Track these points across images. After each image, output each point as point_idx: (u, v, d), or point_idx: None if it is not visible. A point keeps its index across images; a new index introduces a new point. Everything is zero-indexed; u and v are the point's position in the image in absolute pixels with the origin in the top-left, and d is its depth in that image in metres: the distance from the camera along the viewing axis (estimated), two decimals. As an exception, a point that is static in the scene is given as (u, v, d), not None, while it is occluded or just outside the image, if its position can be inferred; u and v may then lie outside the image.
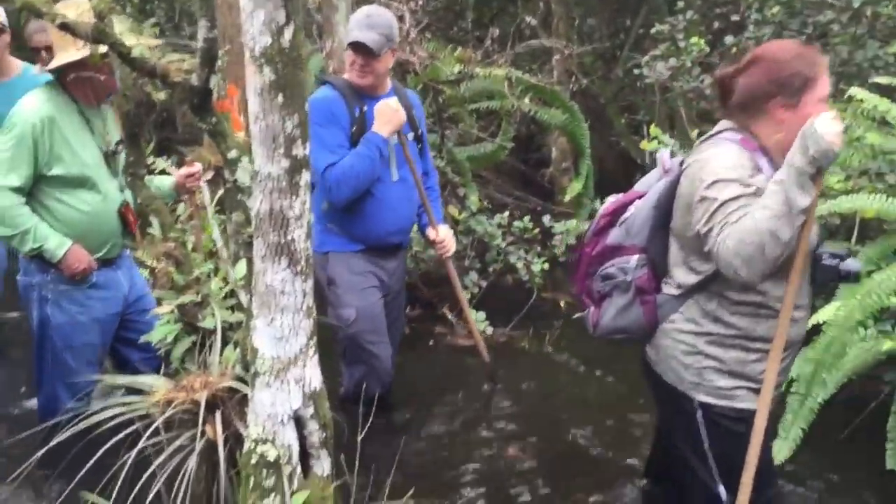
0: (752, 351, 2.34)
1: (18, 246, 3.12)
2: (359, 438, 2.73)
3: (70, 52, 3.04)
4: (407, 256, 4.92)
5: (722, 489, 2.41)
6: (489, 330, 4.83)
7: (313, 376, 2.44)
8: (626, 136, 7.32)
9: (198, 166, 3.57)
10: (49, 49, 4.75)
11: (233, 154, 2.67)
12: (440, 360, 4.66)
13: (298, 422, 2.43)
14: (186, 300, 2.93)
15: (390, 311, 3.75)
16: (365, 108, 3.45)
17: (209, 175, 3.29)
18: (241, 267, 2.74)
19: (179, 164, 4.61)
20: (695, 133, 6.02)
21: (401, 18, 5.28)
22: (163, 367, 3.01)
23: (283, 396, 2.38)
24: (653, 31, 6.47)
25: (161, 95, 2.81)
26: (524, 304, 5.14)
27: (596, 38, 8.00)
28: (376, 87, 3.51)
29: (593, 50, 7.70)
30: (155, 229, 3.13)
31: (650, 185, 2.54)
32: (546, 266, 5.25)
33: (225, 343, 2.82)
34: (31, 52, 4.84)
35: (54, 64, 3.11)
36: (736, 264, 2.12)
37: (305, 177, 2.27)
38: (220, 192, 3.24)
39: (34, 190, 3.12)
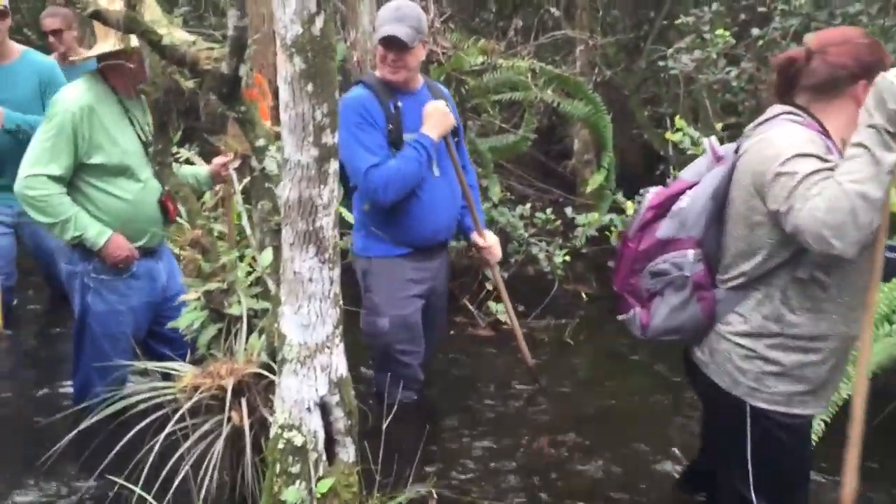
0: (811, 352, 2.24)
1: (60, 234, 3.16)
2: (383, 426, 2.75)
3: (109, 41, 3.08)
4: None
5: (754, 497, 2.32)
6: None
7: (339, 364, 2.45)
8: (649, 128, 7.28)
9: (231, 155, 3.58)
10: (55, 33, 4.90)
11: (261, 142, 2.69)
12: (463, 351, 4.66)
13: (324, 408, 2.45)
14: (213, 287, 2.96)
15: (433, 308, 3.69)
16: (399, 103, 3.39)
17: (236, 163, 3.31)
18: (268, 255, 2.76)
19: (203, 153, 4.66)
20: (719, 125, 6.00)
21: (425, 9, 5.28)
22: (189, 354, 3.04)
23: (309, 383, 2.40)
24: (677, 22, 6.43)
25: (190, 83, 2.83)
26: (545, 295, 5.14)
27: (619, 30, 7.96)
28: (409, 82, 3.45)
29: (616, 41, 7.66)
30: (182, 217, 3.16)
31: (699, 174, 2.40)
32: (567, 258, 5.25)
33: (251, 330, 2.85)
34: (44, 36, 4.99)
35: (92, 52, 3.15)
36: (827, 234, 1.98)
37: (334, 165, 2.28)
38: (247, 180, 3.25)
39: (75, 179, 3.17)
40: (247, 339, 2.82)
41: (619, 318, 2.57)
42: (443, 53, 5.18)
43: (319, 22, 2.13)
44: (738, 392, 2.30)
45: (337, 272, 2.39)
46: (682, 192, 2.40)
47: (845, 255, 2.03)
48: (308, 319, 2.36)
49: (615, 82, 7.31)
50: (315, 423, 2.41)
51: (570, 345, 4.76)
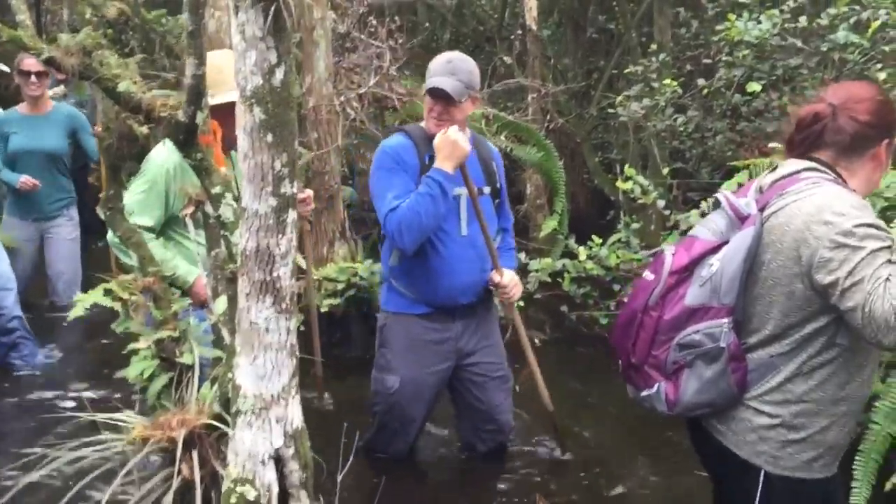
0: (833, 416, 2.13)
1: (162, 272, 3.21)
2: (338, 478, 2.71)
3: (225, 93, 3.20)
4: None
5: None
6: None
7: (295, 415, 2.42)
8: (600, 174, 7.43)
9: (308, 192, 3.66)
10: (40, 74, 5.36)
11: (217, 189, 2.67)
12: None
13: (279, 461, 2.41)
14: (164, 335, 2.90)
15: (474, 376, 3.50)
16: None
17: (190, 209, 3.27)
18: (222, 302, 2.72)
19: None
20: (667, 170, 6.16)
21: (379, 56, 5.35)
22: (138, 405, 2.96)
23: (264, 435, 2.35)
24: (626, 71, 6.61)
25: (144, 130, 2.80)
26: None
27: (570, 78, 8.15)
28: None
29: (568, 89, 7.83)
30: (134, 263, 3.10)
31: (718, 233, 2.21)
32: (521, 303, 5.26)
33: (203, 380, 2.79)
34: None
35: (213, 102, 3.15)
36: (893, 324, 1.87)
37: (293, 215, 2.27)
38: (201, 226, 3.22)
39: (165, 228, 3.42)
40: (198, 389, 2.76)
41: (642, 395, 2.31)
42: (398, 99, 5.23)
43: (280, 73, 2.14)
44: (759, 461, 2.16)
45: (294, 322, 2.36)
46: (705, 254, 2.19)
47: (888, 347, 1.95)
48: (264, 370, 2.32)
49: (566, 129, 7.46)
50: (269, 476, 2.36)
51: (521, 391, 4.75)
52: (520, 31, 7.42)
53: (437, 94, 3.21)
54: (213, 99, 3.12)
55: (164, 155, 3.33)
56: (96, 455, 2.67)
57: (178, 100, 2.59)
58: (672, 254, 2.26)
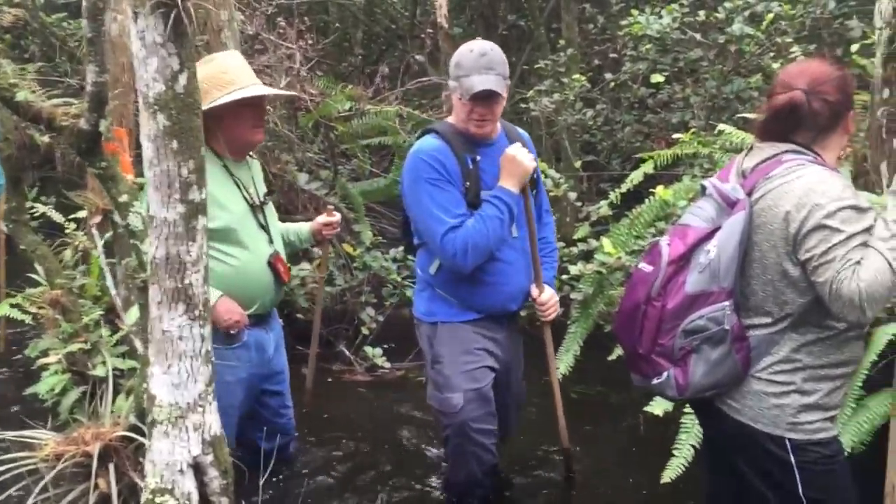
0: (837, 378, 2.25)
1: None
2: (260, 482, 2.71)
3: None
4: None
5: None
6: (386, 365, 4.86)
7: (212, 422, 2.41)
8: (515, 168, 7.52)
9: (337, 216, 3.47)
10: None
11: (124, 198, 2.63)
12: (340, 399, 4.64)
13: (198, 469, 2.39)
14: (75, 348, 2.85)
15: (505, 386, 3.25)
16: (478, 157, 3.01)
17: (97, 219, 3.20)
18: (134, 312, 2.69)
19: (59, 206, 4.47)
20: (578, 163, 6.30)
21: (290, 57, 5.31)
22: (50, 420, 2.89)
23: (181, 444, 2.34)
24: (536, 66, 6.73)
25: (45, 139, 2.73)
26: (413, 340, 5.17)
27: (482, 74, 8.21)
28: (492, 133, 3.10)
29: (480, 85, 7.89)
30: (40, 276, 3.03)
31: (711, 220, 2.29)
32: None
33: (117, 391, 2.75)
34: None
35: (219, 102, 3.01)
36: (862, 304, 2.03)
37: (202, 221, 2.26)
38: (108, 235, 3.15)
39: None
40: (113, 400, 2.72)
41: (652, 383, 2.35)
42: (311, 100, 5.20)
43: (183, 79, 2.13)
44: (779, 430, 2.24)
45: (208, 329, 2.35)
46: (700, 241, 2.27)
47: (862, 323, 2.11)
48: (179, 378, 2.31)
49: (480, 125, 7.52)
50: (188, 485, 2.35)
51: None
52: (431, 30, 7.45)
53: (485, 97, 2.90)
54: (220, 100, 2.97)
55: None
56: (8, 474, 2.61)
57: (81, 107, 2.54)
58: (668, 244, 2.33)
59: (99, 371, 2.79)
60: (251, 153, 3.26)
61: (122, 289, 2.82)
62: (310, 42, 5.48)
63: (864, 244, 2.09)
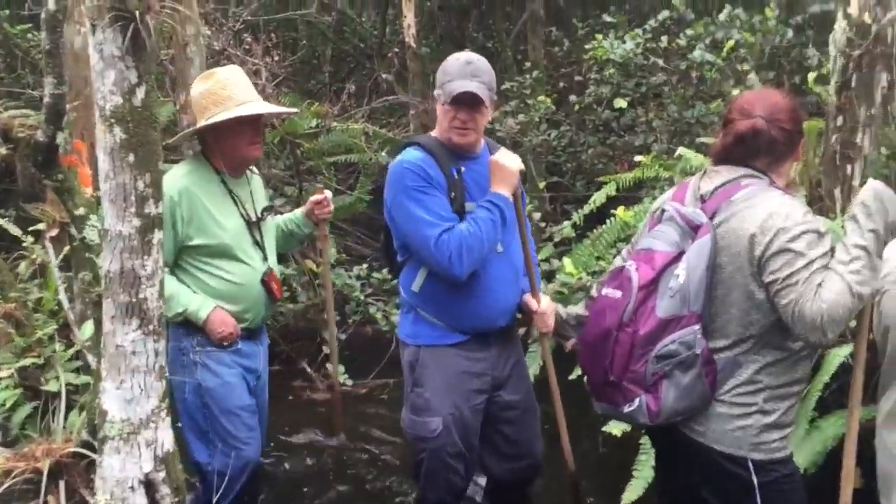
0: (792, 397, 2.29)
1: (166, 312, 2.75)
2: (214, 499, 2.68)
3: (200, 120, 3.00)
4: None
5: None
6: (349, 382, 4.84)
7: (165, 438, 2.38)
8: (481, 188, 7.56)
9: (327, 193, 3.41)
10: None
11: (80, 211, 2.61)
12: (301, 416, 4.61)
13: (149, 486, 2.36)
14: (28, 363, 2.81)
15: (505, 402, 3.10)
16: (462, 169, 2.94)
17: (53, 232, 3.16)
18: (89, 327, 2.66)
19: (18, 219, 4.42)
20: (543, 184, 6.36)
21: (256, 73, 5.31)
22: (0, 436, 2.84)
23: (133, 460, 2.30)
24: (503, 87, 6.78)
25: (2, 150, 2.70)
26: (384, 354, 5.18)
27: (450, 94, 8.27)
28: (475, 145, 3.01)
29: (448, 105, 7.95)
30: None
31: (675, 244, 2.29)
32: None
33: (70, 407, 2.71)
34: None
35: (217, 119, 2.96)
36: (823, 326, 2.07)
37: (158, 235, 2.24)
38: (66, 249, 3.12)
39: (179, 261, 3.02)
40: (65, 416, 2.68)
41: (623, 410, 2.32)
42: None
43: (141, 93, 2.12)
44: (742, 451, 2.25)
45: (162, 344, 2.33)
46: (667, 265, 2.27)
47: (822, 344, 2.15)
48: (131, 394, 2.28)
49: (447, 144, 7.57)
50: (139, 502, 2.31)
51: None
52: (399, 49, 7.50)
53: (464, 100, 2.85)
54: (217, 116, 2.93)
55: (169, 180, 2.96)
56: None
57: (38, 119, 2.53)
58: (635, 269, 2.30)
59: (52, 386, 2.75)
60: (251, 168, 3.24)
61: (77, 303, 2.78)
62: (276, 58, 5.49)
63: (825, 267, 2.14)
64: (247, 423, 3.06)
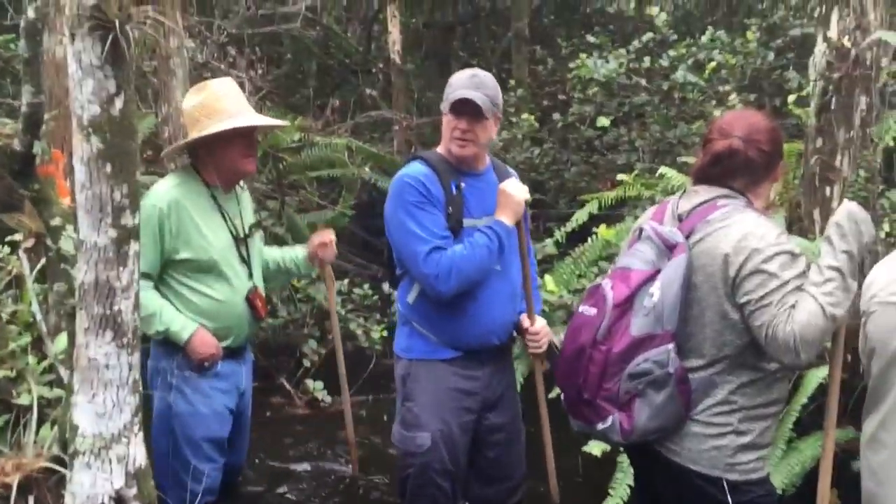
0: (768, 418, 2.30)
1: (145, 328, 2.78)
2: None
3: (191, 134, 2.98)
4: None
5: None
6: (327, 398, 4.80)
7: (138, 454, 2.33)
8: (464, 204, 7.57)
9: (331, 234, 3.34)
10: None
11: (56, 221, 2.58)
12: (280, 431, 4.56)
13: (120, 502, 2.32)
14: (0, 375, 2.76)
15: (491, 426, 3.07)
16: (462, 184, 2.94)
17: (29, 243, 3.12)
18: (62, 340, 2.62)
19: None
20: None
21: (240, 86, 5.28)
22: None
23: (104, 476, 2.26)
24: (486, 105, 6.81)
25: (-23, 159, 2.67)
26: (364, 370, 5.15)
27: (434, 111, 8.30)
28: (476, 160, 3.00)
29: (432, 121, 7.97)
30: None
31: (651, 263, 2.30)
32: (385, 332, 5.30)
33: (42, 421, 2.67)
34: None
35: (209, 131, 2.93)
36: (797, 348, 2.09)
37: (135, 247, 2.21)
38: (42, 260, 3.08)
39: (164, 275, 2.97)
40: (37, 430, 2.63)
41: (597, 428, 2.33)
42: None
43: (119, 103, 2.09)
44: (717, 471, 2.26)
45: (136, 357, 2.29)
46: (643, 284, 2.28)
47: (796, 365, 2.18)
48: (104, 408, 2.23)
49: (431, 160, 7.59)
50: (111, 518, 2.28)
51: (388, 420, 4.77)
52: (383, 65, 7.52)
53: (463, 109, 2.86)
54: (211, 129, 2.91)
55: (159, 191, 2.97)
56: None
57: (14, 128, 2.50)
58: (611, 287, 2.31)
59: (24, 399, 2.70)
60: (240, 184, 3.21)
61: (52, 315, 2.75)
62: (260, 72, 5.48)
63: (799, 289, 2.15)
64: (208, 454, 3.00)
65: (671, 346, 2.22)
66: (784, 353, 2.12)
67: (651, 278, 2.27)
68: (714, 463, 2.26)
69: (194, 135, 2.97)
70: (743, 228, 2.21)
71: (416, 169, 2.93)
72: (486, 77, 2.94)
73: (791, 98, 4.41)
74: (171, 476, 2.96)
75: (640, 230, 2.41)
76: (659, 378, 2.22)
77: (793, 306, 2.12)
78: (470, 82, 2.89)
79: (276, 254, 3.37)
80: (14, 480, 2.44)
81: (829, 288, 2.13)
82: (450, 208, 2.90)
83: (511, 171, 3.25)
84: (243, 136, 2.99)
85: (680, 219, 2.36)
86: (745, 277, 2.17)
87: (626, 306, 2.27)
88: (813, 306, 2.10)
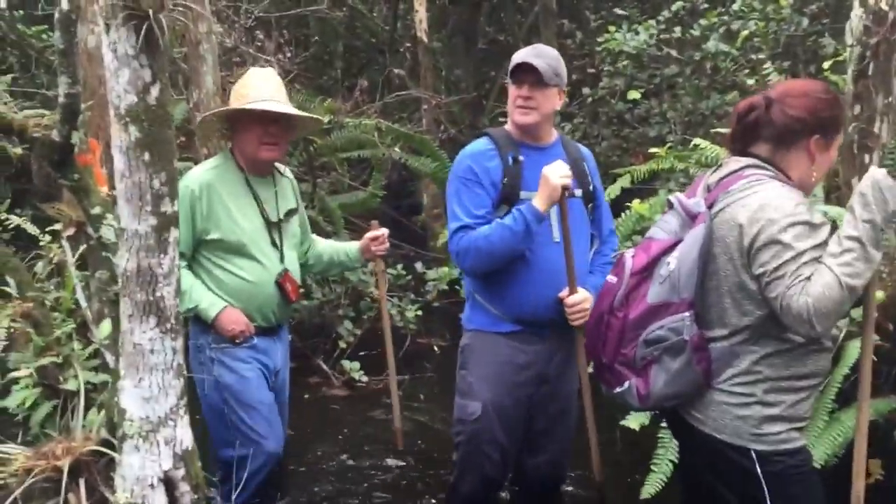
0: (801, 390, 2.25)
1: (178, 306, 2.87)
2: (233, 497, 2.68)
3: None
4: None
5: None
6: (364, 378, 4.85)
7: (184, 436, 2.38)
8: (494, 182, 7.55)
9: (383, 230, 3.37)
10: None
11: (96, 210, 2.62)
12: (318, 412, 4.62)
13: (169, 484, 2.37)
14: (46, 362, 2.81)
15: (548, 403, 3.07)
16: (521, 157, 2.93)
17: (70, 231, 3.17)
18: (106, 326, 2.66)
19: (35, 219, 4.43)
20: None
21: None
22: (21, 435, 2.85)
23: (152, 458, 2.31)
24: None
25: (18, 150, 2.71)
26: (399, 349, 5.17)
27: (463, 89, 8.27)
28: (539, 131, 2.97)
29: (460, 100, 7.94)
30: (12, 288, 2.99)
31: (673, 232, 2.31)
32: (419, 312, 5.33)
33: (89, 406, 2.72)
34: None
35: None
36: (812, 319, 2.06)
37: (174, 234, 2.25)
38: (82, 248, 3.13)
39: (197, 255, 3.07)
40: (85, 415, 2.69)
41: (615, 391, 2.37)
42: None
43: (155, 91, 2.12)
44: (742, 441, 2.24)
45: (180, 342, 2.34)
46: (662, 253, 2.29)
47: (817, 336, 2.13)
48: (150, 392, 2.28)
49: (460, 139, 7.56)
50: (159, 499, 2.32)
51: (425, 398, 4.81)
52: (410, 44, 7.49)
53: (524, 76, 2.86)
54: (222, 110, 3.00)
55: (193, 175, 3.08)
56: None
57: (53, 119, 2.53)
58: (632, 256, 2.35)
59: (70, 385, 2.75)
60: (281, 169, 3.26)
61: (94, 302, 2.79)
62: (288, 55, 5.49)
63: (817, 260, 2.10)
64: (266, 416, 3.06)
65: (687, 314, 2.21)
66: (799, 325, 2.10)
67: (671, 247, 2.28)
68: (738, 432, 2.25)
69: (209, 112, 3.13)
70: (761, 199, 2.17)
71: (478, 144, 2.98)
72: (548, 49, 3.01)
73: (827, 65, 4.33)
74: (234, 445, 2.99)
75: (670, 202, 2.41)
76: (675, 345, 2.24)
77: (808, 278, 2.08)
78: (531, 51, 2.92)
79: (328, 247, 3.44)
80: (65, 464, 2.49)
81: (847, 258, 2.07)
82: (505, 179, 2.90)
83: (584, 151, 3.19)
84: (259, 124, 3.02)
85: (708, 189, 2.34)
86: (760, 248, 2.13)
87: (644, 274, 2.30)
88: (828, 277, 2.06)
